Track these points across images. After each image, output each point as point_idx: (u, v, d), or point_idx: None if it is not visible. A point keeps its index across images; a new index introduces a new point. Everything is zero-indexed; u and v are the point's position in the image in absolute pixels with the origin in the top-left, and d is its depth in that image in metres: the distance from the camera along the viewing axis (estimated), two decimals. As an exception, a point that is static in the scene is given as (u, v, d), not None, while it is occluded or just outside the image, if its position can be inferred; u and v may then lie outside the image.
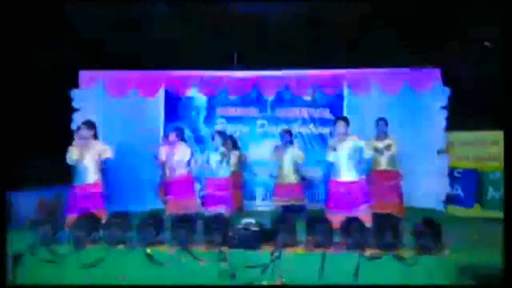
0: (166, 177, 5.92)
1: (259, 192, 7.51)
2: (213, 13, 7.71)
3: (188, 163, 5.85)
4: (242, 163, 6.85)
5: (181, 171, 5.81)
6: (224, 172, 5.78)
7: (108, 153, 5.33)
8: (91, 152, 5.22)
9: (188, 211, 5.28)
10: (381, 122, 5.98)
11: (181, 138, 6.02)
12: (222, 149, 5.82)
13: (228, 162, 5.80)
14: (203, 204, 5.84)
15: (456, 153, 6.88)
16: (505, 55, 3.53)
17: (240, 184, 6.80)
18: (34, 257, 4.16)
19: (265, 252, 4.08)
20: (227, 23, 7.82)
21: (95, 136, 5.37)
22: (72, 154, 5.16)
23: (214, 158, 5.76)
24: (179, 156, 5.82)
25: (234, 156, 6.09)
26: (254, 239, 4.20)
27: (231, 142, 6.56)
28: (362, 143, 5.15)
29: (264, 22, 7.85)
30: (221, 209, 5.45)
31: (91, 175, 5.21)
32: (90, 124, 5.35)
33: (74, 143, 5.28)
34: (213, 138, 5.98)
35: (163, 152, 5.95)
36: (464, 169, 6.77)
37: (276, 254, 4.02)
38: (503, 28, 3.69)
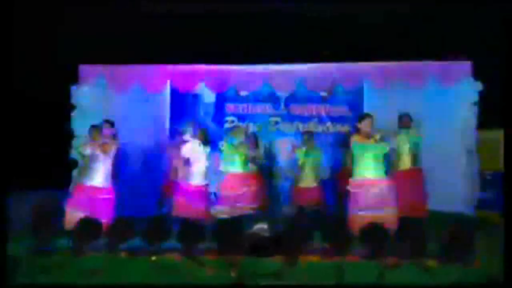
0: (178, 178, 5.94)
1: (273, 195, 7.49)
2: (223, 4, 7.70)
3: (203, 163, 5.86)
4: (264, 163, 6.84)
5: (195, 173, 5.83)
6: (244, 168, 5.84)
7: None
8: (108, 153, 5.32)
9: (198, 217, 5.31)
10: (405, 119, 5.97)
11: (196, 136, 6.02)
12: (241, 143, 5.88)
13: (247, 158, 5.88)
14: (219, 203, 5.88)
15: (488, 153, 6.78)
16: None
17: (260, 183, 6.74)
18: (31, 264, 4.20)
19: (278, 260, 4.07)
20: (238, 15, 7.81)
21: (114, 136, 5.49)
22: (85, 150, 5.26)
23: (234, 155, 5.82)
24: (193, 156, 5.82)
25: (255, 155, 6.13)
26: (266, 246, 4.20)
27: (254, 139, 6.60)
28: (386, 142, 5.18)
29: (277, 14, 7.82)
30: (241, 208, 5.51)
31: (103, 178, 5.30)
32: (112, 123, 5.48)
33: (90, 140, 5.38)
34: (230, 133, 6.03)
35: (176, 151, 5.95)
36: (497, 171, 6.67)
37: (290, 262, 4.01)
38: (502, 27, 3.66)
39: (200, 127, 6.12)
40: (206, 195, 5.90)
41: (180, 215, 5.47)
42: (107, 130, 5.44)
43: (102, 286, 4.04)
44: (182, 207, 5.67)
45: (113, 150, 5.43)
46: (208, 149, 5.91)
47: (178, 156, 6.02)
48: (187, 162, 5.90)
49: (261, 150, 6.85)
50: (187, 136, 5.89)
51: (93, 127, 5.92)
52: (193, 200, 5.72)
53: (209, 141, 5.99)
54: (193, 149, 5.85)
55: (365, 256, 4.08)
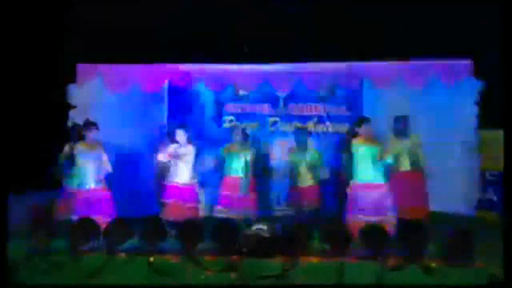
0: (170, 180, 5.95)
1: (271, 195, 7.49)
2: (222, 2, 7.71)
3: (194, 165, 5.88)
4: (262, 163, 6.85)
5: (186, 174, 5.85)
6: (244, 171, 5.85)
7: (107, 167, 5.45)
8: (97, 155, 5.32)
9: (190, 217, 5.33)
10: (402, 119, 5.98)
11: (189, 137, 6.03)
12: (242, 146, 5.90)
13: (247, 161, 5.89)
14: (219, 204, 5.90)
15: (488, 153, 6.80)
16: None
17: (259, 185, 6.73)
18: (30, 265, 4.21)
19: (277, 261, 4.09)
20: (236, 12, 7.81)
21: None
22: (75, 155, 5.27)
23: (232, 156, 5.83)
24: (185, 157, 5.83)
25: (254, 154, 6.16)
26: (265, 247, 4.21)
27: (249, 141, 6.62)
28: (385, 145, 5.21)
29: (276, 11, 7.83)
30: (241, 211, 5.55)
31: (96, 179, 5.31)
32: (98, 127, 5.48)
33: (77, 143, 5.38)
34: (231, 133, 6.05)
35: (168, 153, 5.96)
36: (498, 171, 6.69)
37: (290, 263, 4.02)
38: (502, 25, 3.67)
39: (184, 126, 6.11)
40: (195, 194, 5.92)
41: (171, 216, 5.49)
42: (93, 132, 5.44)
43: (101, 287, 4.06)
44: (172, 208, 5.69)
45: (101, 151, 5.42)
46: (191, 148, 5.90)
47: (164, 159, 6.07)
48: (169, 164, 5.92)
49: (253, 151, 6.86)
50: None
51: (75, 127, 5.93)
52: (182, 200, 5.74)
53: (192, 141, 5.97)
54: (169, 151, 5.86)
55: (366, 257, 4.09)
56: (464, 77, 6.72)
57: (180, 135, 5.91)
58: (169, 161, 5.86)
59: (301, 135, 6.47)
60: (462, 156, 6.74)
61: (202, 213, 6.02)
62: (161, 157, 5.86)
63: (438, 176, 6.31)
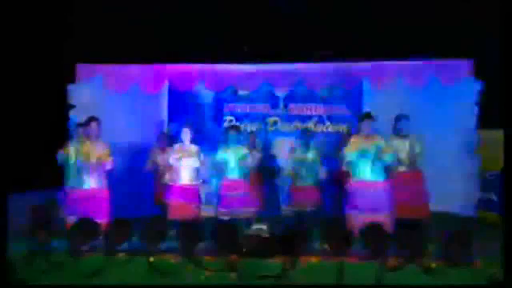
0: (170, 180, 5.95)
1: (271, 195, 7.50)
2: (222, 2, 7.72)
3: (197, 165, 5.87)
4: (263, 163, 6.85)
5: (189, 174, 5.84)
6: (243, 171, 5.84)
7: (109, 164, 5.42)
8: (97, 153, 5.30)
9: (193, 217, 5.33)
10: (402, 119, 5.99)
11: (191, 138, 6.02)
12: (241, 146, 5.89)
13: (247, 161, 5.89)
14: (219, 206, 5.90)
15: (488, 153, 6.80)
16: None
17: (259, 186, 6.74)
18: (29, 265, 4.21)
19: (277, 261, 4.09)
20: (236, 12, 7.82)
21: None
22: (73, 153, 5.24)
23: (232, 156, 5.83)
24: (187, 157, 5.82)
25: (254, 154, 6.14)
26: (265, 247, 4.21)
27: (252, 140, 6.61)
28: (385, 143, 5.22)
29: (276, 11, 7.83)
30: (242, 211, 5.55)
31: (96, 179, 5.30)
32: (99, 121, 5.43)
33: (76, 141, 5.36)
34: (227, 133, 6.05)
35: (169, 154, 5.95)
36: (497, 171, 6.68)
37: (290, 263, 4.02)
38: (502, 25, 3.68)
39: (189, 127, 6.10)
40: (197, 194, 5.91)
41: (173, 217, 5.49)
42: (93, 129, 5.42)
43: (101, 287, 4.06)
44: (175, 208, 5.69)
45: (100, 150, 5.40)
46: (195, 148, 5.90)
47: (164, 159, 6.07)
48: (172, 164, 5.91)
49: (259, 151, 6.85)
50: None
51: (75, 126, 5.91)
52: (184, 200, 5.73)
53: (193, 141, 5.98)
54: (172, 157, 5.85)
55: (365, 257, 4.09)
56: (464, 77, 6.73)
57: (186, 133, 5.90)
58: (176, 161, 5.84)
59: (304, 136, 6.48)
60: (462, 156, 6.76)
61: (203, 213, 6.02)
62: (172, 158, 5.83)
63: (438, 176, 6.31)
